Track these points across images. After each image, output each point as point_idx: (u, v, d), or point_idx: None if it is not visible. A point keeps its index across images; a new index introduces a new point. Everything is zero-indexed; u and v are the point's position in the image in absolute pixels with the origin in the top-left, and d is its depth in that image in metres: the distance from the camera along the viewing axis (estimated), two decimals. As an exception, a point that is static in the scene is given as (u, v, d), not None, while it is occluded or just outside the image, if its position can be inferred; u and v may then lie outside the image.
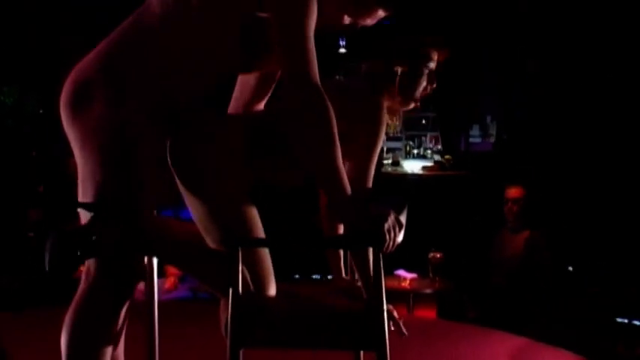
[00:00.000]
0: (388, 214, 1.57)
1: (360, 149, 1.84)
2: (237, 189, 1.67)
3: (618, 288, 4.47)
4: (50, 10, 6.20)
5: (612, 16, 5.60)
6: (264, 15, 1.60)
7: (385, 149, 6.98)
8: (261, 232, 1.68)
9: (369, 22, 1.78)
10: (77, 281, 1.69)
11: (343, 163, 1.58)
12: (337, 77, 2.25)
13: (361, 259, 1.77)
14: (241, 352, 1.57)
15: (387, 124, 2.02)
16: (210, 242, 1.66)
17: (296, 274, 4.58)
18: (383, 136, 1.91)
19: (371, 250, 1.72)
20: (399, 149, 7.28)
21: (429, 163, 6.93)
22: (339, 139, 1.56)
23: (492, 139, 7.29)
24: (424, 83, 1.98)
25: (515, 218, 4.42)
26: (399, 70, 1.94)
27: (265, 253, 1.69)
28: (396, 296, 3.93)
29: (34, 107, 6.61)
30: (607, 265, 4.83)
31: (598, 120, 5.69)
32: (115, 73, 1.61)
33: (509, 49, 6.47)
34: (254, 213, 1.68)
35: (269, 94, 1.90)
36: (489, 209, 4.83)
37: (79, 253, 1.57)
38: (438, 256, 4.30)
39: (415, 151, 7.31)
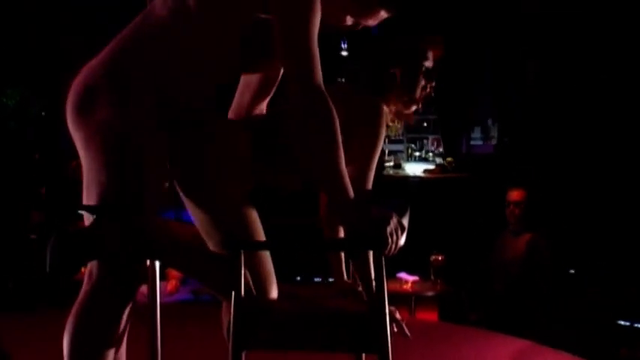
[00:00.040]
0: (390, 217, 1.57)
1: (360, 152, 1.84)
2: (238, 191, 1.67)
3: (620, 290, 4.47)
4: (50, 10, 6.22)
5: (613, 16, 5.60)
6: (265, 16, 1.60)
7: (387, 152, 7.00)
8: (261, 235, 1.68)
9: (372, 22, 1.78)
10: (79, 283, 1.69)
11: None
12: (339, 80, 2.25)
13: (361, 262, 1.77)
14: (243, 355, 1.57)
15: (389, 127, 2.02)
16: (211, 245, 1.66)
17: (298, 276, 4.58)
18: (383, 139, 1.91)
19: (371, 253, 1.73)
20: (401, 152, 7.30)
21: (431, 166, 6.95)
22: None
23: (494, 142, 7.30)
24: (422, 82, 1.98)
25: (516, 221, 4.42)
26: (396, 70, 1.95)
27: (267, 255, 1.69)
28: (398, 299, 3.93)
29: (36, 109, 6.62)
30: (609, 268, 4.83)
31: (599, 123, 5.69)
32: (119, 78, 1.62)
33: (510, 52, 6.47)
34: (254, 216, 1.68)
35: (271, 94, 1.90)
36: (491, 212, 4.82)
37: (81, 255, 1.57)
38: (440, 258, 4.30)
39: (417, 154, 7.33)
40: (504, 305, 4.22)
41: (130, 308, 1.71)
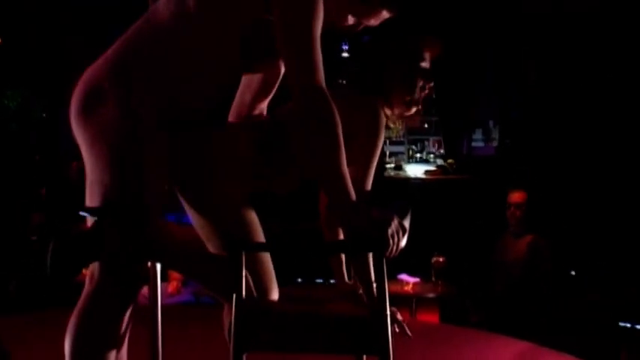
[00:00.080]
0: (392, 219, 1.57)
1: (360, 154, 1.84)
2: (238, 192, 1.67)
3: (621, 292, 4.46)
4: (52, 11, 6.23)
5: (615, 16, 5.60)
6: (265, 16, 1.59)
7: (388, 153, 7.00)
8: (261, 237, 1.68)
9: (373, 22, 1.78)
10: (81, 284, 1.69)
11: None
12: (340, 81, 2.25)
13: (361, 264, 1.77)
14: (245, 357, 1.57)
15: (390, 129, 2.02)
16: (211, 247, 1.66)
17: (299, 278, 4.58)
18: (382, 141, 1.91)
19: (371, 255, 1.73)
20: (402, 153, 7.30)
21: (432, 167, 6.95)
22: None
23: (495, 144, 7.30)
24: (420, 83, 1.98)
25: (517, 223, 4.42)
26: (393, 71, 1.95)
27: (267, 257, 1.69)
28: (399, 300, 3.92)
29: (37, 111, 6.63)
30: (609, 269, 4.83)
31: (601, 125, 5.68)
32: (123, 80, 1.62)
33: (512, 52, 6.47)
34: (254, 217, 1.68)
35: (272, 94, 1.90)
36: (492, 213, 4.83)
37: (82, 257, 1.57)
38: (441, 260, 4.30)
39: (418, 155, 7.33)
40: (505, 307, 4.22)
41: (132, 310, 1.71)
